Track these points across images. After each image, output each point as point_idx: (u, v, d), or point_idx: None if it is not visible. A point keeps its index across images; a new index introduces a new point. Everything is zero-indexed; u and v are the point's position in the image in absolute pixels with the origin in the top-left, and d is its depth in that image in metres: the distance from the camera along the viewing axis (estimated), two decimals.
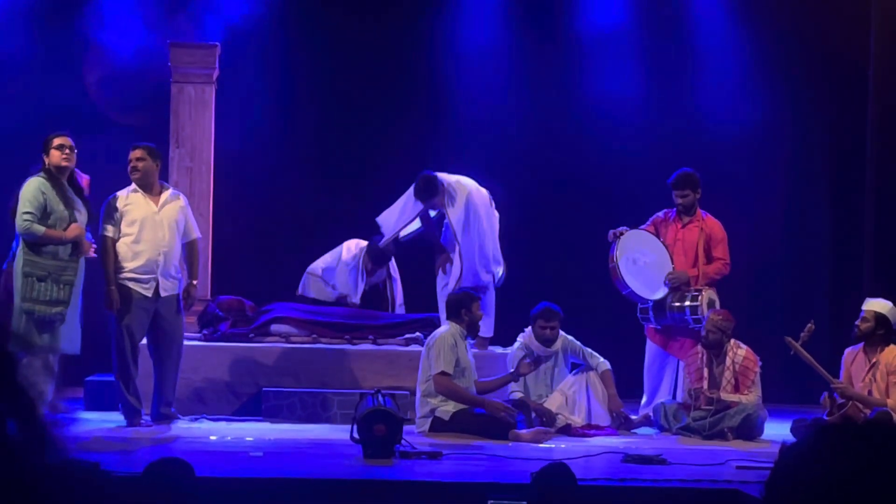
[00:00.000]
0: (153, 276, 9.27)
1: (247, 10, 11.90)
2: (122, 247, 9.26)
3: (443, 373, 9.36)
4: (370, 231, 11.22)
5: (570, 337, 10.00)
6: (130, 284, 9.23)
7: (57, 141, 8.96)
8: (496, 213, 10.70)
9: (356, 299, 11.02)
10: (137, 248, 9.26)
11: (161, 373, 9.40)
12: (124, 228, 9.27)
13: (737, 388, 9.61)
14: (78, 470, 1.94)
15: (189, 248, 9.58)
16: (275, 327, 10.59)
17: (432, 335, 9.62)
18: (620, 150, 12.31)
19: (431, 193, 10.52)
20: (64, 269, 8.87)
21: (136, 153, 9.37)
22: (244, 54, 11.94)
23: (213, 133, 11.16)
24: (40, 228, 8.79)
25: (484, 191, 10.66)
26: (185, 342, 9.69)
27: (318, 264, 11.20)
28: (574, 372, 9.96)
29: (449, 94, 12.47)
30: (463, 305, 9.60)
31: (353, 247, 11.15)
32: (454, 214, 10.48)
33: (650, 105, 12.42)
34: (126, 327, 9.24)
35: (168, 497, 4.76)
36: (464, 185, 10.55)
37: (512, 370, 9.69)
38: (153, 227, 9.30)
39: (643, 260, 10.14)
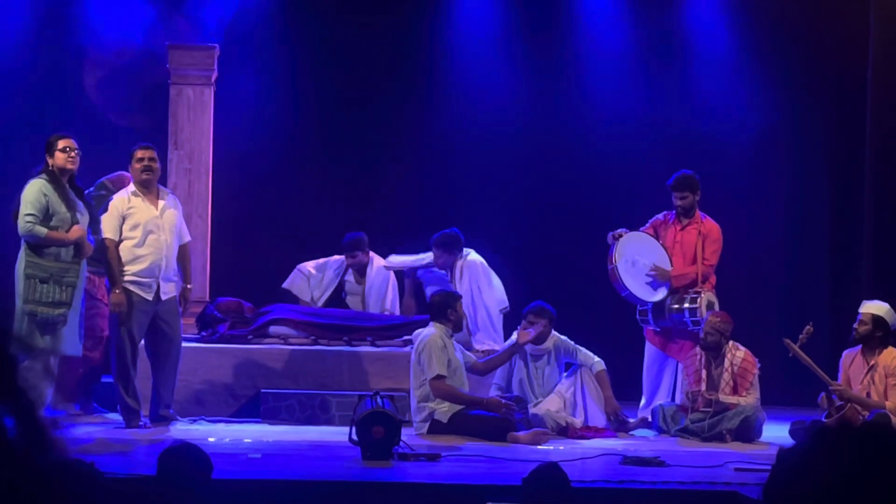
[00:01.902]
0: (155, 279, 9.28)
1: (245, 12, 11.90)
2: (125, 250, 9.25)
3: (438, 376, 9.35)
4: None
5: (563, 337, 9.99)
6: (132, 287, 9.23)
7: (62, 143, 8.95)
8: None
9: (319, 302, 11.12)
10: (140, 251, 9.26)
11: (160, 375, 9.41)
12: (127, 232, 9.26)
13: (735, 390, 9.61)
14: (74, 470, 1.94)
15: (182, 252, 9.58)
16: (273, 329, 10.59)
17: (420, 339, 9.58)
18: (620, 152, 12.30)
19: (457, 249, 10.61)
20: (66, 270, 8.86)
21: (150, 153, 9.37)
22: (243, 56, 11.93)
23: (212, 135, 11.16)
24: (42, 230, 8.77)
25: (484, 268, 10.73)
26: (184, 344, 9.69)
27: (309, 265, 11.27)
28: (568, 373, 9.96)
29: (450, 97, 12.46)
30: (448, 306, 9.60)
31: (341, 257, 11.25)
32: (460, 285, 10.52)
33: (650, 107, 12.41)
34: (127, 330, 9.23)
35: (184, 481, 4.78)
36: (470, 264, 10.65)
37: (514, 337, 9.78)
38: (156, 230, 9.30)
39: (642, 262, 10.14)
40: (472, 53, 12.50)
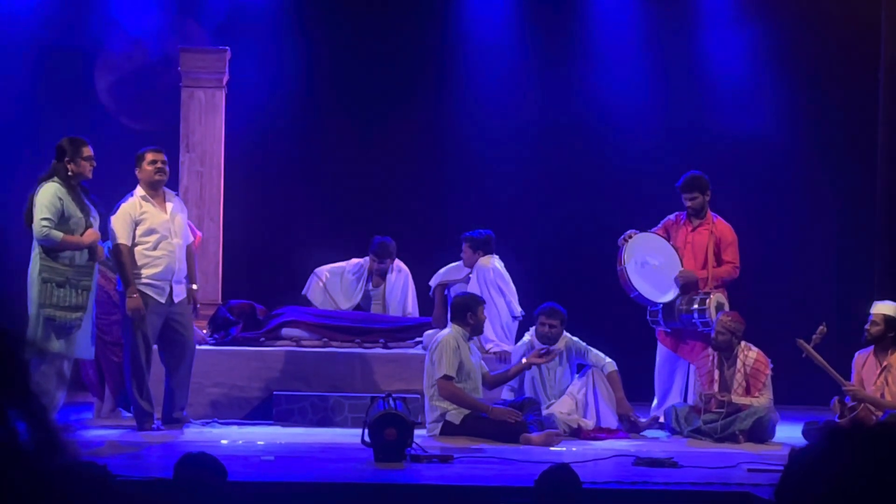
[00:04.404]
0: (168, 282, 9.30)
1: (257, 15, 11.91)
2: (139, 255, 9.25)
3: (446, 376, 9.35)
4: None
5: (574, 338, 9.97)
6: (146, 290, 9.23)
7: (87, 151, 8.91)
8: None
9: (344, 306, 11.08)
10: (154, 254, 9.26)
11: (173, 377, 9.41)
12: (140, 237, 9.26)
13: (748, 391, 9.59)
14: (86, 473, 1.95)
15: (188, 252, 9.59)
16: (286, 331, 10.59)
17: (434, 339, 9.60)
18: (630, 152, 12.30)
19: (481, 250, 10.59)
20: (81, 274, 8.85)
21: (162, 155, 9.38)
22: (254, 58, 11.95)
23: (224, 137, 11.17)
24: (58, 234, 8.75)
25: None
26: (196, 346, 9.70)
27: (325, 269, 11.25)
28: (580, 374, 9.95)
29: (464, 98, 12.46)
30: (468, 308, 9.59)
31: (360, 260, 11.23)
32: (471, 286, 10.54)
33: (660, 107, 12.40)
34: (141, 333, 9.24)
35: (198, 488, 4.79)
36: (480, 268, 10.62)
37: (522, 361, 9.70)
38: (168, 234, 9.31)
39: (652, 263, 10.12)
40: (485, 56, 12.50)
